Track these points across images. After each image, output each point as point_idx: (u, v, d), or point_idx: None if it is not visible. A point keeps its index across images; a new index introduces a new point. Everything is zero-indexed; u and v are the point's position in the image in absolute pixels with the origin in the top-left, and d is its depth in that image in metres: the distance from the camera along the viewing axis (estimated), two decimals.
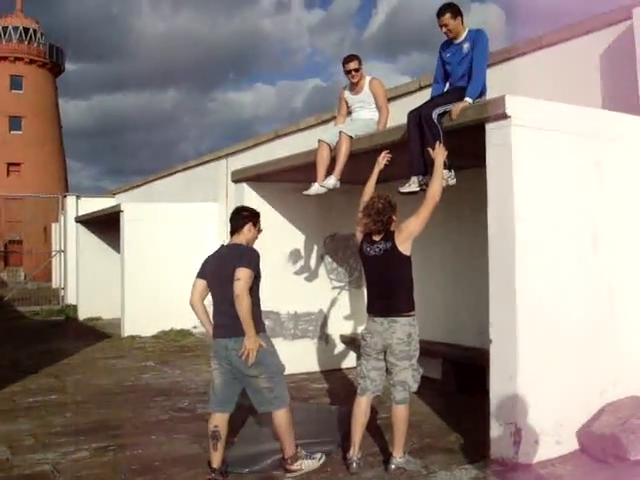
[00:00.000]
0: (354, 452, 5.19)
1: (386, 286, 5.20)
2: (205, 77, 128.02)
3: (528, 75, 7.28)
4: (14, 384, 8.86)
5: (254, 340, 4.96)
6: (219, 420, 5.23)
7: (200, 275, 5.31)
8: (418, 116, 5.76)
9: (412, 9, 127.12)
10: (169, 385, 8.80)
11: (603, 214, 5.60)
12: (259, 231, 5.37)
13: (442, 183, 5.27)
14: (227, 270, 4.99)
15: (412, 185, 5.93)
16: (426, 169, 5.84)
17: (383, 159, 6.04)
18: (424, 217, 5.13)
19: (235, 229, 5.29)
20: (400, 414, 5.15)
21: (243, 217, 5.30)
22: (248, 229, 5.27)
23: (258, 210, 5.47)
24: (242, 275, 4.91)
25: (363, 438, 5.34)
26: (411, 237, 5.15)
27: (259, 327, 5.10)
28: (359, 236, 5.44)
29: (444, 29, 6.08)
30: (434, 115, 5.60)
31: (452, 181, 5.76)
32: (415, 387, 5.20)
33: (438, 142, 5.53)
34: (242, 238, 5.25)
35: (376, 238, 5.23)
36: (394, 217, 5.21)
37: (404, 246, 5.13)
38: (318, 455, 5.32)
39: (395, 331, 5.09)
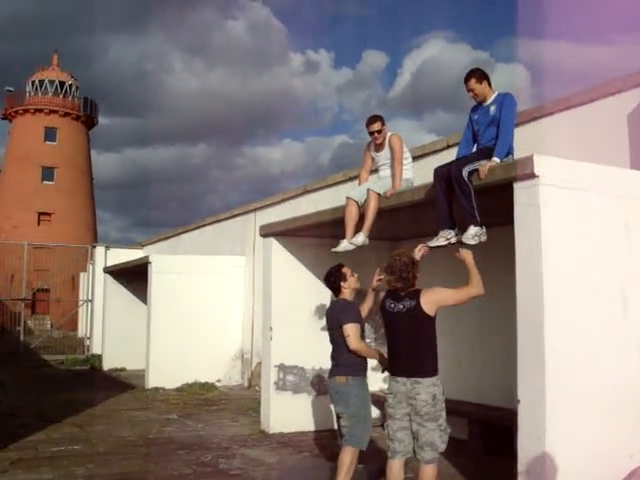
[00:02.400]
0: None
1: (409, 345, 5.18)
2: (235, 133, 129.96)
3: (556, 135, 7.33)
4: (38, 433, 8.88)
5: (382, 359, 5.80)
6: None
7: None
8: (447, 173, 5.82)
9: (436, 69, 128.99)
10: (192, 439, 8.74)
11: (632, 275, 5.55)
12: (352, 276, 6.09)
13: (479, 282, 5.23)
14: (333, 322, 5.95)
15: (440, 239, 6.00)
16: (453, 223, 5.93)
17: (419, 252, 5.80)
18: (460, 298, 5.19)
19: (334, 292, 6.18)
20: (428, 474, 5.06)
21: (332, 282, 6.12)
22: (343, 287, 6.05)
23: (335, 268, 6.15)
24: (350, 331, 5.74)
25: None
26: (439, 304, 5.17)
27: (359, 371, 5.87)
28: (381, 294, 5.51)
29: (471, 93, 6.28)
30: (464, 173, 5.65)
31: (484, 237, 5.78)
32: (443, 447, 5.13)
33: (461, 249, 5.50)
34: (343, 295, 6.07)
35: (401, 294, 5.24)
36: (417, 274, 5.26)
37: (429, 307, 5.13)
38: None
39: (419, 392, 5.05)
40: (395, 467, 5.18)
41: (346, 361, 5.81)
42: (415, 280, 5.26)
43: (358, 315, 5.93)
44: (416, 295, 5.18)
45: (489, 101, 6.22)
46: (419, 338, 5.17)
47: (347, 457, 5.65)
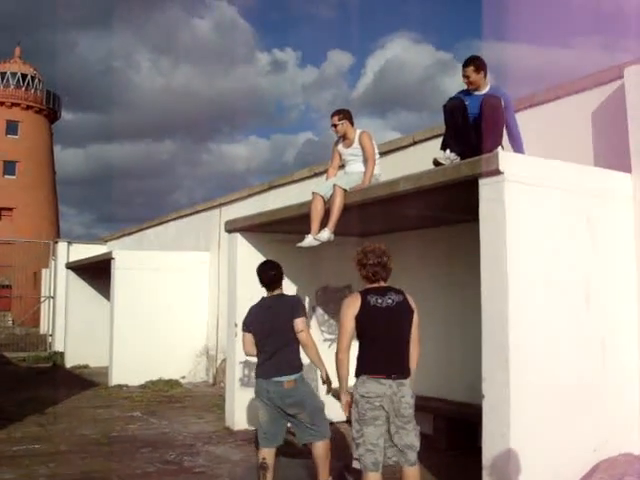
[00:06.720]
0: None
1: (397, 343, 4.95)
2: (201, 130, 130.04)
3: (520, 132, 7.36)
4: None
5: (326, 376, 5.73)
6: (267, 453, 5.76)
7: (246, 329, 5.92)
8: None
9: (399, 69, 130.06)
10: (156, 436, 8.66)
11: (595, 270, 5.63)
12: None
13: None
14: (279, 319, 5.70)
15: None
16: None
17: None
18: (415, 344, 5.11)
19: (274, 285, 5.90)
20: (414, 475, 4.96)
21: (273, 276, 5.88)
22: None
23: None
24: (303, 326, 5.66)
25: None
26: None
27: (300, 367, 5.82)
28: (355, 299, 4.96)
29: (465, 80, 6.29)
30: None
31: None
32: (418, 446, 5.00)
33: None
34: (281, 290, 5.95)
35: (383, 289, 4.98)
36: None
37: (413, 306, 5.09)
38: None
39: (404, 395, 4.87)
40: None
41: (292, 361, 5.72)
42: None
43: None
44: (401, 291, 5.03)
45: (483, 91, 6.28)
46: (406, 335, 4.99)
47: (322, 450, 5.63)
